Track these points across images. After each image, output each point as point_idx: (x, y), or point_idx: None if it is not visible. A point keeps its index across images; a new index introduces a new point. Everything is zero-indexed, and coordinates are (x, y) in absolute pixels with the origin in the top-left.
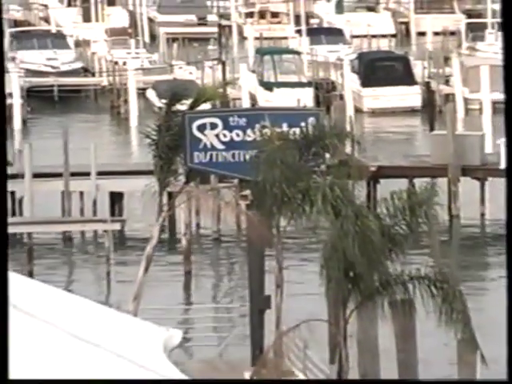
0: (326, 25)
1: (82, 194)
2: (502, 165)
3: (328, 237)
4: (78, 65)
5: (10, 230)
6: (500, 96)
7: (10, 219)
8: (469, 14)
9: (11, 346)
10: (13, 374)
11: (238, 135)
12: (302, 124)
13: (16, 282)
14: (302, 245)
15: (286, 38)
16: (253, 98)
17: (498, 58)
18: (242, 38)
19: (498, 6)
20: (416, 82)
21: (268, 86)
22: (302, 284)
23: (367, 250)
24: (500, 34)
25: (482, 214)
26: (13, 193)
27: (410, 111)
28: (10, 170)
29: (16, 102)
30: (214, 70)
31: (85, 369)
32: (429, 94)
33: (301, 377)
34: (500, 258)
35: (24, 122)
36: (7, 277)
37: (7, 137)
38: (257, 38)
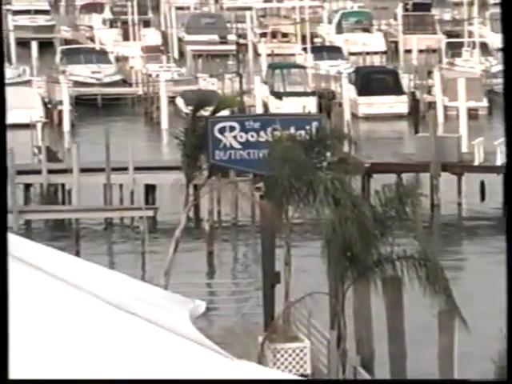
0: (327, 43)
1: (121, 186)
2: (476, 162)
3: (329, 222)
4: (118, 77)
5: (61, 216)
6: (474, 104)
7: (60, 207)
8: (448, 34)
9: (63, 315)
10: (64, 338)
11: (252, 136)
12: (307, 127)
13: (65, 260)
14: (306, 229)
15: (293, 54)
16: (265, 106)
17: (472, 71)
18: (257, 54)
19: (473, 28)
20: (403, 92)
21: (278, 95)
22: (307, 262)
23: (362, 233)
24: (475, 51)
25: (459, 204)
26: (63, 185)
27: (399, 117)
28: (60, 166)
29: (66, 109)
30: (232, 81)
31: (123, 333)
32: (414, 102)
33: (306, 341)
34: (473, 240)
35: (72, 125)
36: (7, 277)
37: (58, 138)
38: (269, 55)
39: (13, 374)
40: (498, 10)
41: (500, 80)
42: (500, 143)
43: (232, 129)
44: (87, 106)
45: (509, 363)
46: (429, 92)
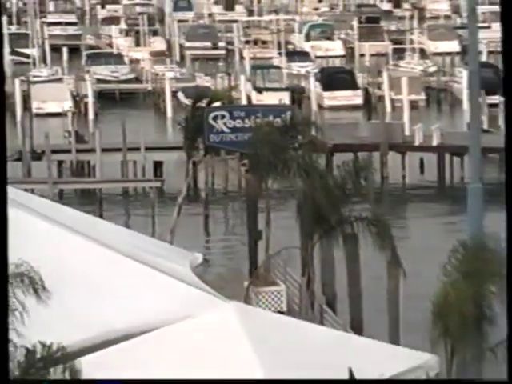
0: (298, 49)
1: (134, 162)
2: (417, 142)
3: (301, 191)
4: (132, 76)
5: (87, 186)
6: (414, 97)
7: (86, 179)
8: (394, 42)
9: (89, 263)
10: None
11: (239, 123)
12: (283, 116)
13: (91, 221)
14: (283, 197)
15: (271, 58)
16: (249, 98)
17: (413, 71)
18: (242, 58)
19: (414, 37)
20: (359, 87)
21: (259, 90)
22: (283, 223)
23: (327, 199)
24: (415, 55)
25: (403, 176)
26: (88, 162)
27: (355, 107)
28: (86, 146)
29: (90, 101)
30: (223, 79)
31: (136, 278)
32: (367, 95)
33: (282, 285)
34: (414, 204)
35: (96, 114)
36: (7, 281)
37: (84, 124)
38: (251, 58)
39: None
40: (433, 22)
41: (435, 78)
42: (435, 128)
43: (223, 117)
44: (107, 99)
45: (509, 363)
46: (379, 88)
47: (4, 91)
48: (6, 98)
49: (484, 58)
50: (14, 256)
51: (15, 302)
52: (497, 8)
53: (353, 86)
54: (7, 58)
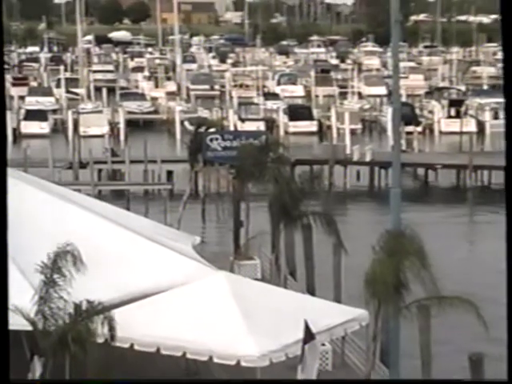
0: (271, 91)
1: (153, 171)
2: (355, 159)
3: (272, 193)
4: (152, 109)
5: (119, 187)
6: (354, 126)
7: (118, 183)
8: (340, 86)
9: (116, 243)
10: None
11: (228, 143)
12: (259, 138)
13: (120, 212)
14: (259, 197)
15: (252, 97)
16: (235, 126)
17: (353, 108)
18: (231, 97)
19: (354, 83)
20: (314, 119)
21: (243, 120)
22: (259, 216)
23: (290, 198)
24: (354, 97)
25: (345, 183)
26: (120, 170)
27: (311, 133)
28: (118, 159)
29: (122, 127)
30: (217, 112)
31: (151, 254)
32: (320, 125)
33: (257, 260)
34: (352, 202)
35: (125, 136)
36: (7, 279)
37: (117, 143)
38: (238, 97)
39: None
40: (368, 73)
41: (368, 113)
42: (368, 148)
43: (217, 139)
44: (134, 125)
45: (509, 363)
46: (328, 119)
47: (4, 91)
48: (5, 101)
49: (404, 99)
50: (64, 238)
51: (65, 272)
52: (413, 64)
53: (310, 117)
54: (63, 95)
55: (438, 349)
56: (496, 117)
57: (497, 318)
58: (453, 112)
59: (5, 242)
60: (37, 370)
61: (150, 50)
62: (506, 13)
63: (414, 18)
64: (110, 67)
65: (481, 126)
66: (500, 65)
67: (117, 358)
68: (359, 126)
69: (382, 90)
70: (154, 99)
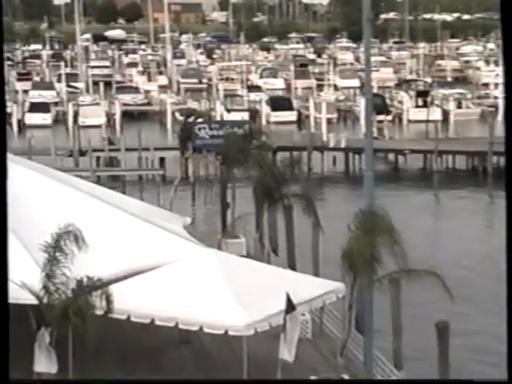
0: (254, 84)
1: (146, 158)
2: (331, 145)
3: (256, 176)
4: (145, 101)
5: (115, 173)
6: (330, 115)
7: (114, 169)
8: (317, 79)
9: (111, 223)
10: (113, 233)
11: (215, 132)
12: (244, 127)
13: (117, 195)
14: (244, 180)
15: (237, 90)
16: (221, 116)
17: (329, 99)
18: (217, 90)
19: (330, 76)
20: (294, 109)
21: (228, 111)
22: (244, 198)
23: (273, 182)
24: (330, 88)
25: (322, 168)
26: (116, 157)
27: (291, 122)
28: (114, 147)
29: (117, 118)
30: (205, 103)
31: (145, 234)
32: (299, 114)
33: (243, 238)
34: (329, 185)
35: (121, 126)
36: (7, 279)
37: (113, 133)
38: (224, 90)
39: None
40: (342, 67)
41: (343, 103)
42: (343, 136)
43: (204, 128)
44: (129, 116)
45: (509, 363)
46: (307, 109)
47: (4, 91)
48: (5, 102)
49: (375, 90)
50: (65, 219)
51: (67, 250)
52: (383, 58)
53: (290, 108)
54: (64, 89)
55: (408, 316)
56: (459, 106)
57: (457, 277)
58: (420, 102)
59: (5, 244)
60: (45, 339)
61: (143, 47)
62: (506, 12)
63: (384, 16)
64: (107, 63)
65: (445, 114)
66: (462, 58)
67: (115, 329)
68: (335, 115)
69: (356, 83)
70: (147, 92)
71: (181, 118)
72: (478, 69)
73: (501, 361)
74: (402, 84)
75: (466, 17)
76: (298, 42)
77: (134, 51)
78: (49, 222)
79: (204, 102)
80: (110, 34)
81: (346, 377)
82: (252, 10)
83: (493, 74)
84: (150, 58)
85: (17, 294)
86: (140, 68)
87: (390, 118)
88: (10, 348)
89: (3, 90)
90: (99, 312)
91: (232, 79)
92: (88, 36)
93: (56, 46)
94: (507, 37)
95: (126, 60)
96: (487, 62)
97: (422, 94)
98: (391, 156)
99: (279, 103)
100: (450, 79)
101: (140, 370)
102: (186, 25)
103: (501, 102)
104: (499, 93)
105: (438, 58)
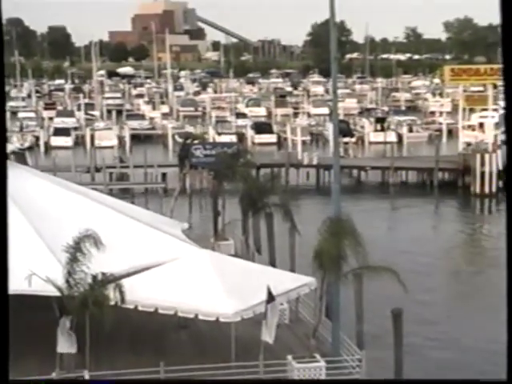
0: (241, 112)
1: (151, 173)
2: (305, 162)
3: (242, 189)
4: (150, 126)
5: (125, 186)
6: (304, 138)
7: (125, 182)
8: (294, 108)
9: (120, 228)
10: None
11: (208, 152)
12: (232, 148)
13: (126, 205)
14: (232, 192)
15: (226, 117)
16: (213, 138)
17: (303, 124)
18: (210, 117)
19: (304, 105)
20: (274, 132)
21: (219, 134)
22: (233, 205)
23: (256, 193)
24: (304, 116)
25: (297, 182)
26: (126, 173)
27: (272, 143)
28: (125, 164)
29: (127, 140)
30: (200, 128)
31: (148, 237)
32: (279, 137)
33: (231, 241)
34: (304, 197)
35: (130, 147)
36: (7, 280)
37: (124, 152)
38: (216, 117)
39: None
40: (314, 98)
41: (315, 128)
42: (315, 155)
43: (199, 148)
44: (136, 139)
45: (509, 363)
46: (284, 133)
47: (4, 92)
48: (5, 101)
49: (341, 117)
50: (83, 225)
51: (85, 250)
52: (348, 90)
53: (271, 132)
54: (83, 116)
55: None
56: (411, 130)
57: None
58: (378, 127)
59: (5, 244)
60: (66, 325)
61: (148, 81)
62: (506, 16)
63: (348, 56)
64: (118, 95)
65: (400, 137)
66: (413, 91)
67: (124, 316)
68: (308, 137)
69: (325, 111)
70: (151, 119)
71: (180, 140)
72: (426, 100)
73: None
74: (364, 112)
75: (416, 57)
76: (277, 77)
77: (141, 85)
78: (69, 227)
79: (199, 126)
80: (121, 70)
81: (316, 355)
82: (240, 50)
83: (438, 104)
84: (154, 90)
85: (43, 288)
86: (146, 98)
87: (353, 140)
88: (37, 331)
89: (3, 90)
90: (112, 302)
91: (222, 108)
92: (103, 72)
93: (76, 81)
94: (507, 35)
95: (134, 92)
96: (434, 94)
97: (380, 121)
98: (355, 172)
99: (262, 127)
100: (403, 108)
101: (146, 350)
102: (185, 63)
103: (444, 128)
104: (443, 119)
105: (393, 91)
